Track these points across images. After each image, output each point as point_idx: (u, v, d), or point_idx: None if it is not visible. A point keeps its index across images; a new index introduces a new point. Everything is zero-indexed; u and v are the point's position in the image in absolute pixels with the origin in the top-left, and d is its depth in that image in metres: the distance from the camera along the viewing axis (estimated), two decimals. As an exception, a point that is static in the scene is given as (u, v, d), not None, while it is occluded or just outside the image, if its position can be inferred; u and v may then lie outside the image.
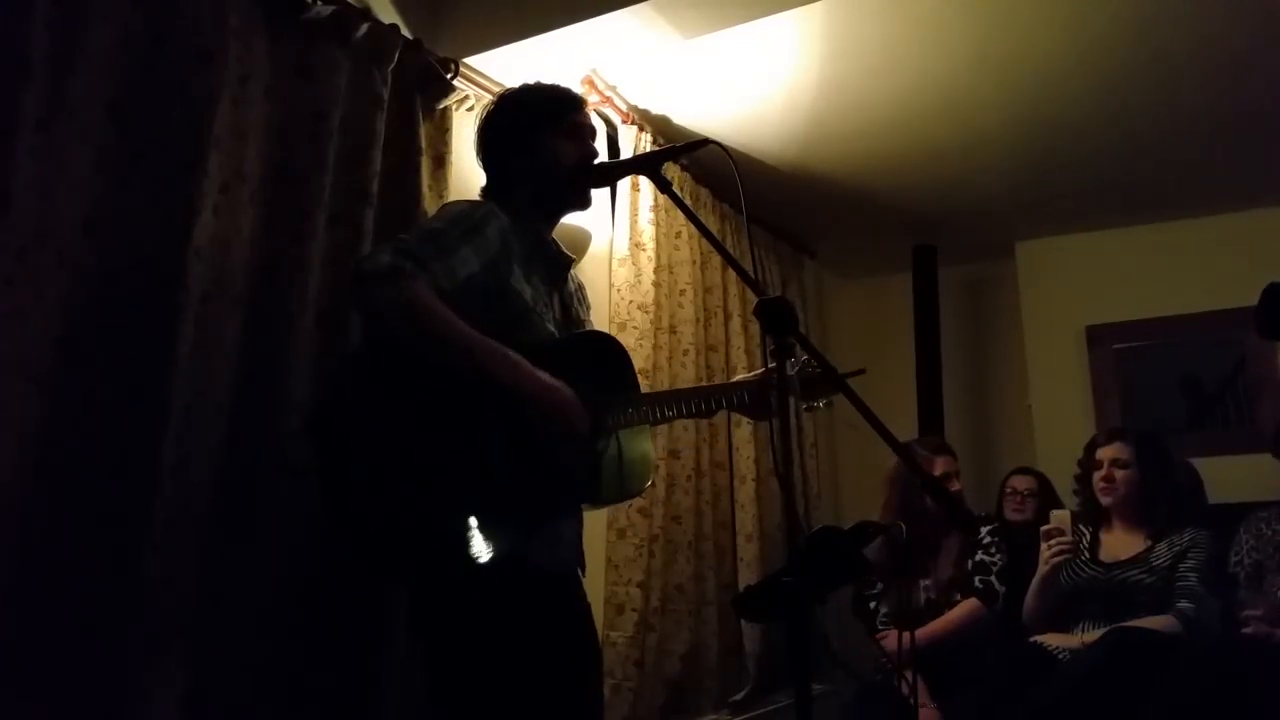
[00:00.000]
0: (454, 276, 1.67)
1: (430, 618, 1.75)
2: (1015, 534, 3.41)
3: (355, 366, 1.82)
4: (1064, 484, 3.54)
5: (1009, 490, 3.71)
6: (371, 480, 1.63)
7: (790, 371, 1.88)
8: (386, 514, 1.64)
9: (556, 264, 1.94)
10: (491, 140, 1.95)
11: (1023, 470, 3.79)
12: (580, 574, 1.90)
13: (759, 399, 1.96)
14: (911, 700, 2.85)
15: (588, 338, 1.94)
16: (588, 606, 1.90)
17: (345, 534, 1.80)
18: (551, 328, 1.86)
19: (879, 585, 3.24)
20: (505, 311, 1.75)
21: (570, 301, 1.97)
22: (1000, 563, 3.16)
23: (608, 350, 1.90)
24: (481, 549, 1.64)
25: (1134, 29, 2.82)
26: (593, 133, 1.97)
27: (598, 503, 1.89)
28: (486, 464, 1.67)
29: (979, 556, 3.18)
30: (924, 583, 3.21)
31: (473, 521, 1.64)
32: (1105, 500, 2.98)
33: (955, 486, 3.26)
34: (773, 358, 1.51)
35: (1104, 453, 3.01)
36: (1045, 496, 3.60)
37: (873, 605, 3.23)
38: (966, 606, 3.12)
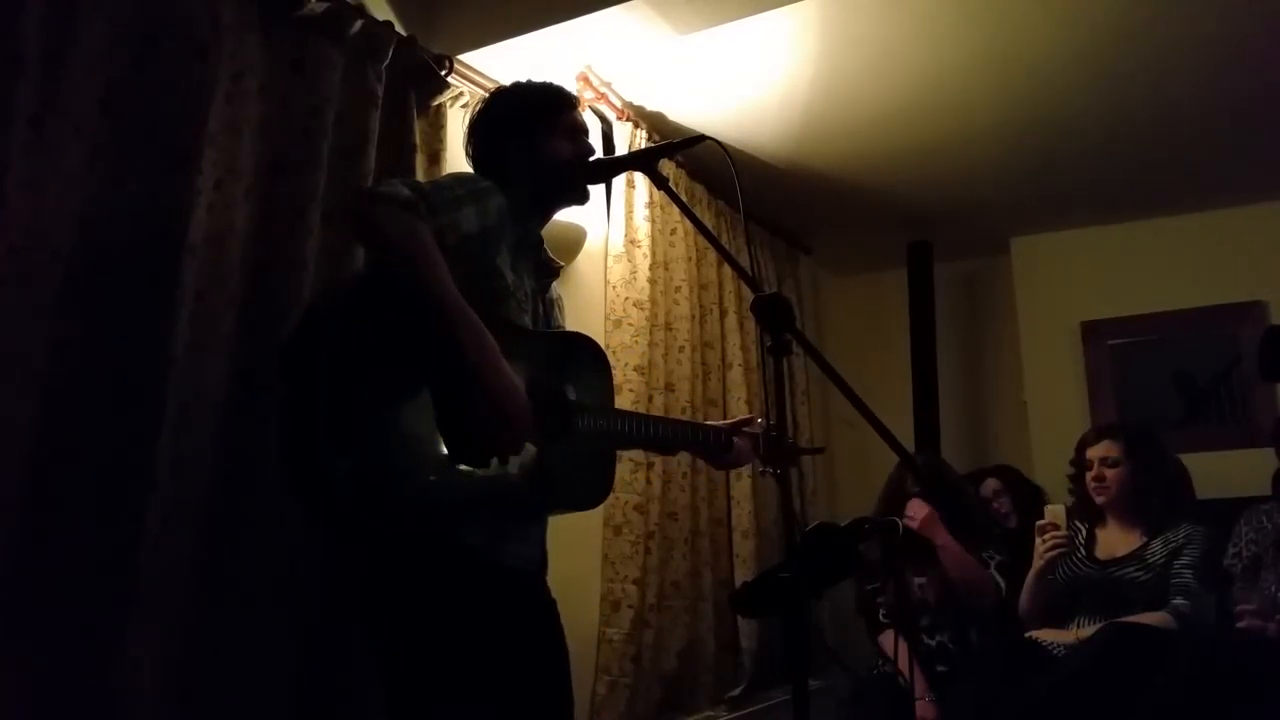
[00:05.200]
0: (457, 231, 1.60)
1: (385, 606, 1.63)
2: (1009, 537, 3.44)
3: (343, 302, 1.67)
4: (1059, 480, 3.55)
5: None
6: (343, 429, 1.48)
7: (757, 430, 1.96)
8: (352, 469, 1.48)
9: (545, 268, 1.91)
10: (484, 138, 1.93)
11: (987, 475, 3.84)
12: (543, 571, 1.83)
13: (720, 450, 2.07)
14: (910, 693, 2.86)
15: (575, 339, 1.90)
16: (553, 604, 1.82)
17: (300, 481, 1.59)
18: (528, 320, 1.79)
19: (879, 580, 3.24)
20: (487, 286, 1.67)
21: (550, 310, 1.93)
22: (999, 558, 3.16)
23: (590, 356, 1.88)
24: (447, 531, 1.58)
25: (1130, 26, 2.82)
26: (587, 130, 1.95)
27: (553, 507, 1.82)
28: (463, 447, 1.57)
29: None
30: (919, 580, 3.21)
31: (444, 500, 1.56)
32: (1098, 500, 2.99)
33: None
34: (769, 354, 1.51)
35: (1093, 452, 3.01)
36: (1016, 487, 3.68)
37: (875, 599, 3.24)
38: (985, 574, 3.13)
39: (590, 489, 1.84)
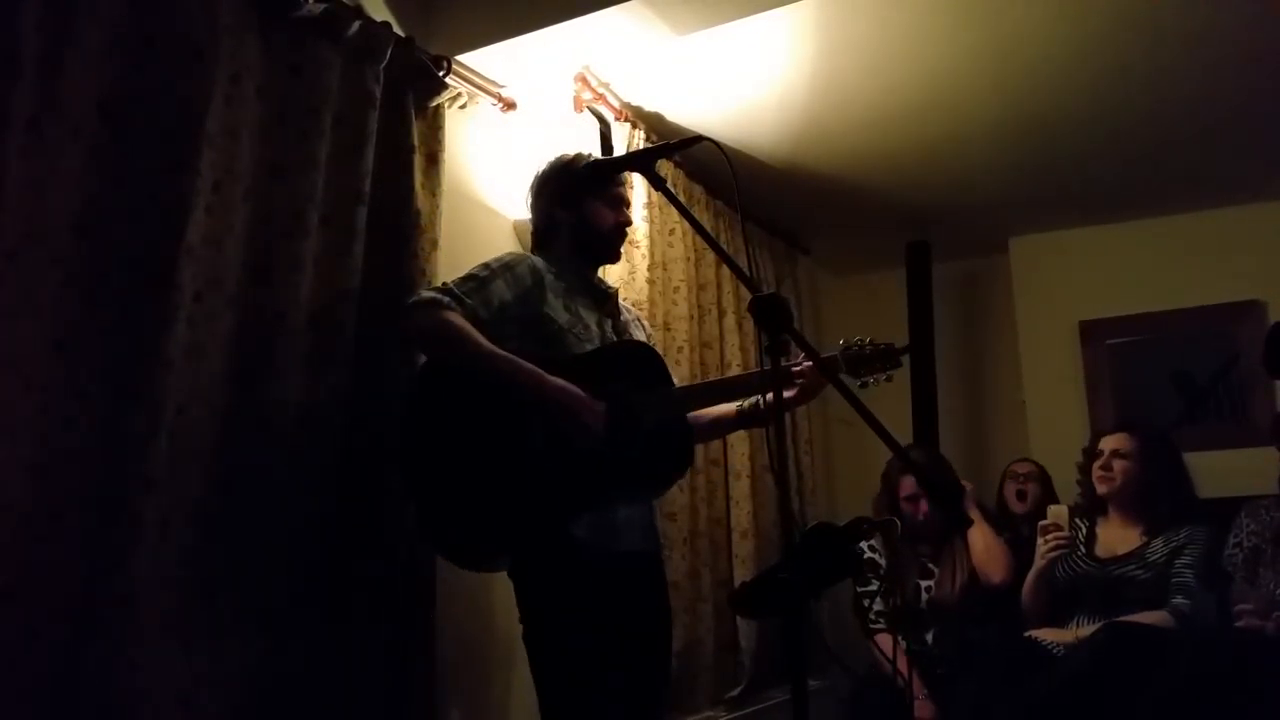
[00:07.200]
0: (490, 305, 2.00)
1: (520, 598, 2.03)
2: (1017, 525, 3.43)
3: (411, 405, 2.08)
4: (1057, 478, 3.56)
5: (1010, 474, 3.71)
6: (442, 495, 1.98)
7: (836, 352, 2.12)
8: (461, 522, 1.97)
9: (601, 295, 2.22)
10: (540, 195, 2.23)
11: (1025, 459, 3.81)
12: (658, 551, 2.21)
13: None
14: (907, 695, 2.86)
15: (621, 346, 2.17)
16: (660, 581, 2.19)
17: (433, 543, 2.13)
18: (592, 346, 2.09)
19: (875, 582, 3.24)
20: (541, 333, 2.05)
21: (624, 330, 2.24)
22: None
23: (640, 355, 2.14)
24: (545, 538, 1.94)
25: (1128, 25, 2.82)
26: (628, 203, 2.26)
27: (651, 489, 2.13)
28: (536, 467, 1.94)
29: None
30: (925, 583, 3.21)
31: (532, 515, 1.93)
32: (1101, 489, 2.99)
33: (923, 508, 3.25)
34: (767, 354, 1.51)
35: (1106, 442, 3.03)
36: (1045, 483, 3.62)
37: (866, 603, 3.23)
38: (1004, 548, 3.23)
39: (672, 466, 2.11)
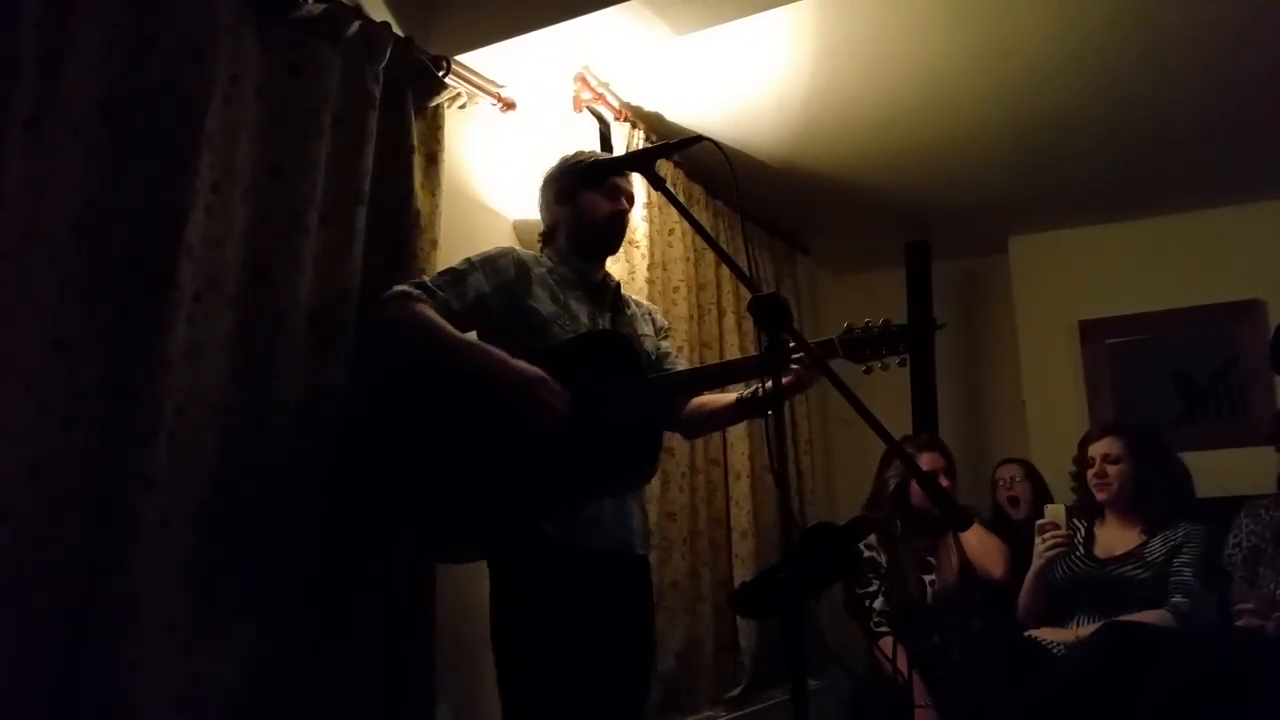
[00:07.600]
0: (464, 298, 2.02)
1: (492, 591, 2.02)
2: (1016, 529, 3.43)
3: (376, 400, 2.10)
4: (1057, 479, 3.55)
5: (999, 480, 3.72)
6: (408, 488, 1.98)
7: (834, 336, 2.03)
8: (425, 511, 1.98)
9: (598, 289, 2.20)
10: (544, 194, 2.25)
11: (1008, 460, 3.81)
12: (638, 552, 2.13)
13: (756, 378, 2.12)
14: (908, 699, 2.86)
15: (592, 336, 2.11)
16: (639, 584, 2.12)
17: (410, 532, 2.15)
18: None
19: (875, 583, 3.24)
20: (524, 324, 2.05)
21: (628, 324, 2.22)
22: None
23: (612, 344, 2.10)
24: (506, 531, 1.95)
25: (1126, 24, 2.82)
26: (630, 197, 2.23)
27: (615, 485, 2.06)
28: (498, 458, 1.93)
29: None
30: (928, 578, 3.21)
31: (494, 507, 1.93)
32: (1100, 496, 2.99)
33: (943, 484, 3.24)
34: (767, 353, 1.51)
35: (1095, 448, 3.02)
36: (1035, 480, 3.63)
37: (868, 603, 3.23)
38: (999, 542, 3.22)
39: (637, 462, 2.05)
